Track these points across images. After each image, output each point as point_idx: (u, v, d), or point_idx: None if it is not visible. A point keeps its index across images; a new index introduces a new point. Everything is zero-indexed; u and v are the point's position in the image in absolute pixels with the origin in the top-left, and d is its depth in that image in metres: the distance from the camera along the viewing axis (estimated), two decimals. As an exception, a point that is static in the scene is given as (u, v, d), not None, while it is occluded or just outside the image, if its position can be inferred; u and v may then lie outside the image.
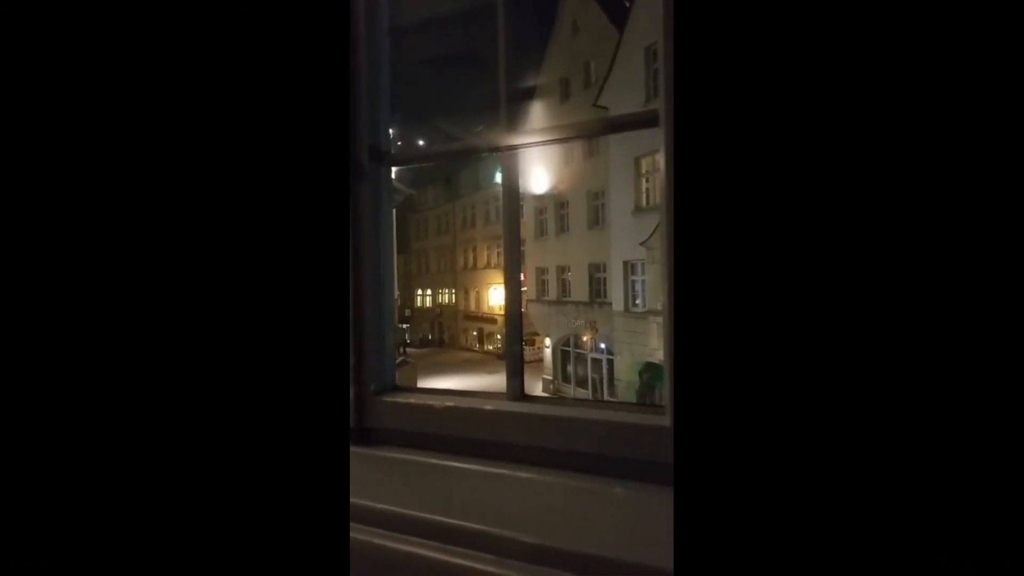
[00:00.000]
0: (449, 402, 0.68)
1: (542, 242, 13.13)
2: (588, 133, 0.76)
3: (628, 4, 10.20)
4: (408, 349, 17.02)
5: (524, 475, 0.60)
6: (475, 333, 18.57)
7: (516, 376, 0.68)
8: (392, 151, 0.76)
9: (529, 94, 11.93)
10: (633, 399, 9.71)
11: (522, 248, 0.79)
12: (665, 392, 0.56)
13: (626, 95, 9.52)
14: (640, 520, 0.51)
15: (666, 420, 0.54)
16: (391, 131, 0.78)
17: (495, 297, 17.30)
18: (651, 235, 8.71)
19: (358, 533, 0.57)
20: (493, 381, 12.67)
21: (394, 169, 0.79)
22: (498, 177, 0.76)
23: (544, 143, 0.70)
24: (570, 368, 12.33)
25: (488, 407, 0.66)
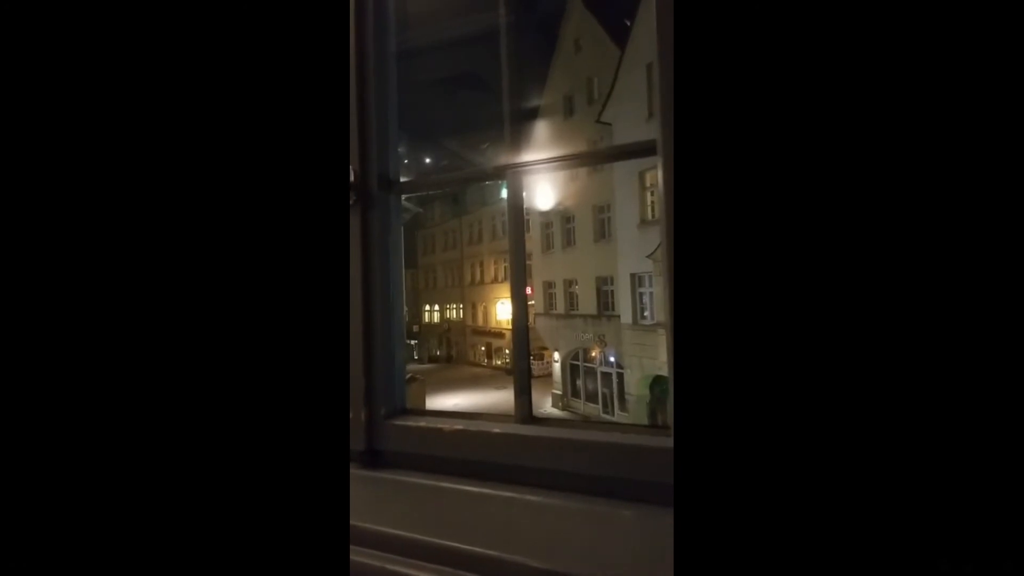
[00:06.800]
0: (458, 425, 0.69)
1: (549, 256, 13.14)
2: (591, 162, 0.79)
3: (628, 23, 10.40)
4: (416, 365, 16.99)
5: (532, 498, 0.60)
6: (483, 348, 18.50)
7: (524, 394, 0.69)
8: (401, 179, 0.79)
9: (533, 112, 12.11)
10: (644, 414, 9.55)
11: (529, 262, 0.80)
12: (669, 412, 0.56)
13: (628, 110, 9.64)
14: (648, 543, 0.51)
15: (672, 442, 0.54)
16: (398, 150, 0.80)
17: (503, 312, 17.28)
18: (657, 248, 8.70)
19: (367, 557, 0.57)
20: (502, 397, 12.55)
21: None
22: (504, 193, 0.77)
23: (548, 162, 0.72)
24: (579, 382, 12.21)
25: (496, 430, 0.66)
